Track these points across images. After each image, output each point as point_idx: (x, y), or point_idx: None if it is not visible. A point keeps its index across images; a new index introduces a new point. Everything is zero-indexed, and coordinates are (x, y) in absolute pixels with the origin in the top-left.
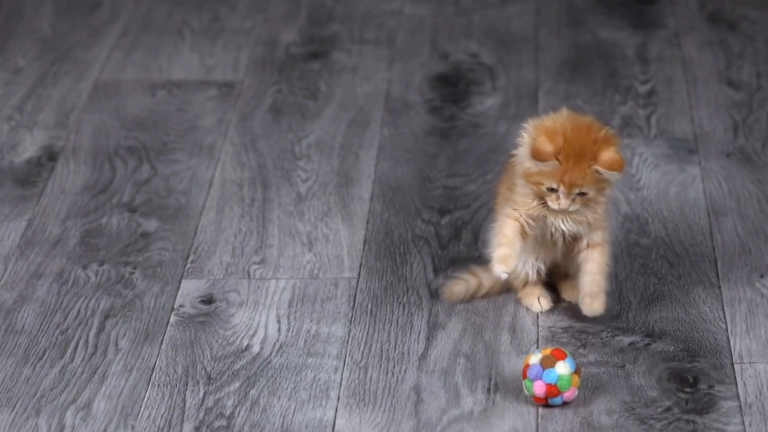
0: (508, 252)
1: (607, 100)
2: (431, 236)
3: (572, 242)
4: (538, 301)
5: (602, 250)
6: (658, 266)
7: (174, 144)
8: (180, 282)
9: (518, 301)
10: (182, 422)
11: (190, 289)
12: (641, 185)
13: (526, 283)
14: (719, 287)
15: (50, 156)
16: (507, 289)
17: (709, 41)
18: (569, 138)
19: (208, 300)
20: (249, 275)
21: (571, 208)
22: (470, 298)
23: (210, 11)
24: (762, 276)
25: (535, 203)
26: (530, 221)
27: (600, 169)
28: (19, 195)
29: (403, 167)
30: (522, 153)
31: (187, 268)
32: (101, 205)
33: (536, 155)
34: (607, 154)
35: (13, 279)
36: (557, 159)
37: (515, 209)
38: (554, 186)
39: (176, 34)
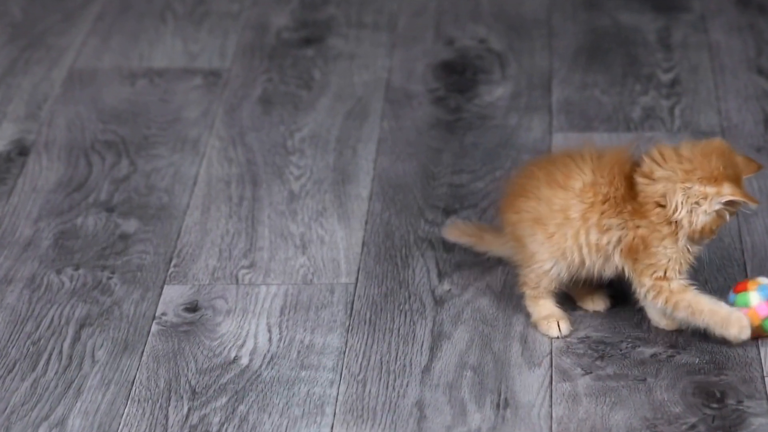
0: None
1: (626, 89)
2: (435, 238)
3: None
4: (557, 325)
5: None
6: None
7: (155, 138)
8: (162, 288)
9: (534, 327)
10: None
11: (173, 296)
12: None
13: (538, 290)
14: None
15: (21, 151)
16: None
17: (738, 26)
18: (724, 163)
19: (192, 307)
20: (237, 280)
21: None
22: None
23: None
24: None
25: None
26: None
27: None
28: None
29: (405, 163)
30: (702, 211)
31: (169, 272)
32: (76, 204)
33: (749, 169)
34: (743, 157)
35: None
36: (741, 187)
37: (676, 273)
38: (739, 199)
39: (158, 18)
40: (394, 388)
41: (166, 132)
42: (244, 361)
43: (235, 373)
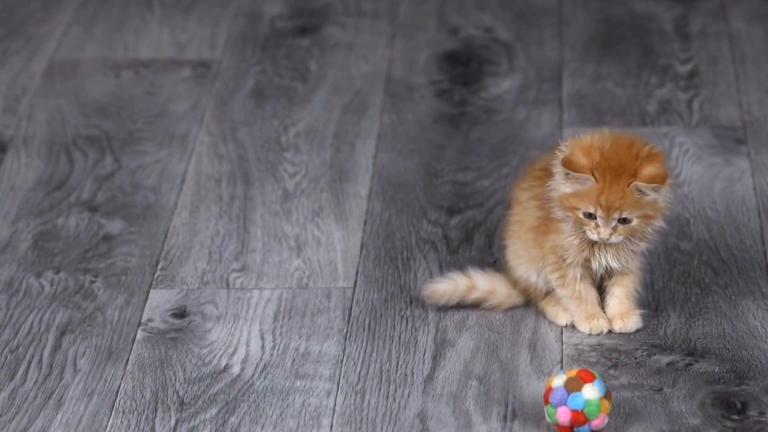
0: (592, 310)
1: (642, 82)
2: (438, 239)
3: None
4: (563, 312)
5: (633, 277)
6: (701, 274)
7: (141, 133)
8: (148, 292)
9: (540, 313)
10: None
11: (159, 301)
12: (681, 180)
13: (546, 293)
14: None
15: None
16: (510, 305)
17: (760, 14)
18: (606, 154)
19: (180, 313)
20: (228, 284)
21: (613, 239)
22: (459, 303)
23: None
24: None
25: (577, 241)
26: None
27: (640, 184)
28: None
29: (406, 160)
30: (557, 175)
31: (156, 276)
32: (57, 204)
33: (567, 165)
34: (648, 169)
35: None
36: (593, 175)
37: (564, 253)
38: (591, 210)
39: (144, 5)
40: (394, 399)
41: (153, 127)
42: (236, 370)
43: (225, 383)
